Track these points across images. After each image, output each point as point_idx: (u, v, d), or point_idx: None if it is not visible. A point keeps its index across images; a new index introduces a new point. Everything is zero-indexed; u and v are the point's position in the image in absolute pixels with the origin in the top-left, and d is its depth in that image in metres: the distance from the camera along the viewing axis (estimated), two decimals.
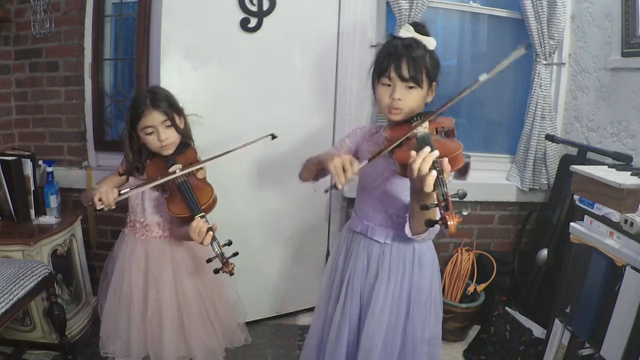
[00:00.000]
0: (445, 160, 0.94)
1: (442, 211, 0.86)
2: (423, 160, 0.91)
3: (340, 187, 1.07)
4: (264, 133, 1.38)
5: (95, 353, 1.87)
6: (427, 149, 0.92)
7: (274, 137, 1.39)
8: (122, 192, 1.28)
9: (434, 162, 0.91)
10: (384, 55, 1.16)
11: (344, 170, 1.06)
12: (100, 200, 1.25)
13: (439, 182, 0.89)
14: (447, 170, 0.93)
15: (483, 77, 1.05)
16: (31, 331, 1.85)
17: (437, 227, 0.89)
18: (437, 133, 1.08)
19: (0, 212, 1.91)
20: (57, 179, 2.00)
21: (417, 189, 0.96)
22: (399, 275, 1.25)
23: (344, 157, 1.08)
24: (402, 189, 1.18)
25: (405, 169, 0.97)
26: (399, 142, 1.05)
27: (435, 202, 0.89)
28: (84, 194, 1.44)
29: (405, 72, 1.12)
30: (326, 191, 1.13)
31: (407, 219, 1.12)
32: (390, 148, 1.06)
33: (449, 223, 0.84)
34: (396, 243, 1.24)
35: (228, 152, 1.35)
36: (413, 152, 0.93)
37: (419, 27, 1.17)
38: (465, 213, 0.86)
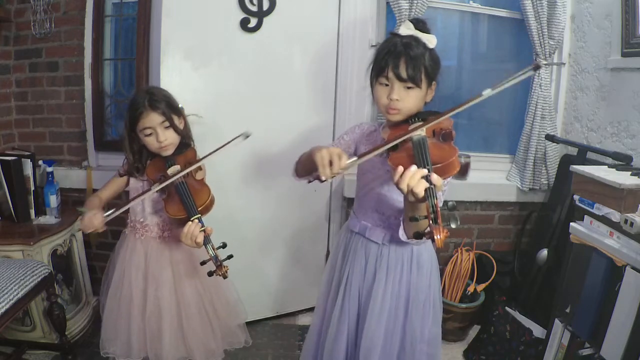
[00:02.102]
0: (438, 169, 0.92)
1: (430, 223, 0.86)
2: (411, 177, 0.90)
3: (323, 178, 1.03)
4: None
5: (95, 353, 1.88)
6: (414, 168, 0.91)
7: (247, 136, 1.29)
8: (105, 215, 1.30)
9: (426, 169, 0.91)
10: (383, 53, 1.13)
11: (331, 163, 1.03)
12: (87, 227, 1.28)
13: (429, 193, 0.88)
14: (439, 185, 0.91)
15: (487, 92, 1.00)
16: (31, 331, 1.85)
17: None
18: (434, 136, 1.05)
19: (0, 212, 1.91)
20: (57, 179, 2.00)
21: (407, 199, 0.95)
22: (396, 276, 1.24)
23: (332, 150, 1.04)
24: (399, 191, 1.18)
25: None
26: (393, 144, 1.03)
27: (425, 214, 0.88)
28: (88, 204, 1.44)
29: (403, 72, 1.09)
30: (309, 182, 1.10)
31: (402, 223, 1.10)
32: (384, 149, 1.04)
33: (435, 237, 0.83)
34: (394, 244, 1.24)
35: (215, 150, 1.32)
36: (400, 168, 0.92)
37: (420, 24, 1.14)
38: (453, 226, 0.86)
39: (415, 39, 1.11)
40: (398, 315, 1.25)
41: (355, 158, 1.05)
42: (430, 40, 1.12)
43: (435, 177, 0.91)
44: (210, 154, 1.32)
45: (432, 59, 1.12)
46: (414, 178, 0.90)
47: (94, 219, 1.28)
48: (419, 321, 1.25)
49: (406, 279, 1.25)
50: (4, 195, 1.87)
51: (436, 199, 0.88)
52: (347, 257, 1.33)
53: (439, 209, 0.87)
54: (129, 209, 1.40)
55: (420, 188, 0.88)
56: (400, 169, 0.92)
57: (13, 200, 1.87)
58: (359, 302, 1.29)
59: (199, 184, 1.38)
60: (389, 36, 1.18)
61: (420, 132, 1.03)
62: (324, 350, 1.33)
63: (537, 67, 0.96)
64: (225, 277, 1.25)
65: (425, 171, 0.91)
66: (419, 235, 0.89)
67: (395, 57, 1.09)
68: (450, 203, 0.89)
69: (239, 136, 1.27)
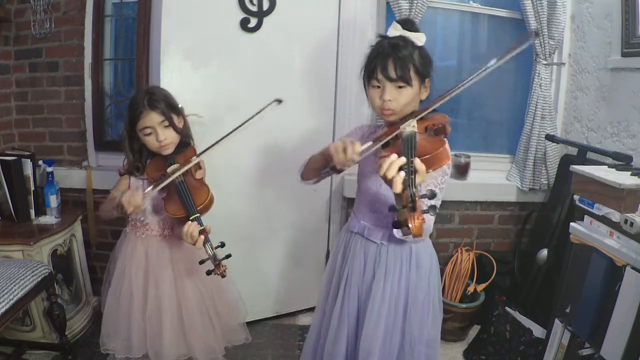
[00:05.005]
0: (418, 160, 0.92)
1: (409, 213, 0.86)
2: (389, 165, 0.90)
3: (338, 167, 1.05)
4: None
5: (96, 353, 1.88)
6: (394, 156, 0.92)
7: (279, 101, 1.37)
8: (146, 191, 1.29)
9: (408, 161, 0.91)
10: (372, 56, 1.15)
11: (345, 150, 1.04)
12: (128, 203, 1.25)
13: (408, 183, 0.89)
14: (421, 170, 0.92)
15: (492, 63, 1.01)
16: (31, 331, 1.85)
17: (431, 227, 0.89)
18: (426, 131, 1.06)
19: (0, 212, 1.91)
20: (57, 179, 2.00)
21: (391, 190, 0.96)
22: (395, 276, 1.24)
23: (345, 139, 1.07)
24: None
25: None
26: (386, 140, 1.04)
27: (403, 204, 0.89)
28: (103, 206, 1.43)
29: (392, 73, 1.10)
30: (325, 172, 1.11)
31: None
32: (378, 145, 1.05)
33: (409, 225, 0.85)
34: (392, 243, 1.23)
35: (224, 137, 1.35)
36: (381, 160, 0.93)
37: (408, 24, 1.15)
38: (431, 213, 0.86)
39: (403, 39, 1.12)
40: (397, 316, 1.25)
41: (370, 142, 1.05)
42: (419, 38, 1.13)
43: (417, 162, 0.91)
44: (235, 129, 1.36)
45: (421, 57, 1.13)
46: (387, 163, 0.90)
47: (135, 197, 1.26)
48: (418, 322, 1.25)
49: (405, 279, 1.24)
50: (4, 195, 1.87)
51: (415, 188, 0.88)
52: (346, 257, 1.33)
53: (417, 197, 0.87)
54: None
55: (394, 173, 0.89)
56: (383, 160, 0.93)
57: (13, 200, 1.87)
58: (359, 302, 1.29)
59: (199, 183, 1.39)
60: (377, 39, 1.19)
61: (411, 128, 1.03)
62: (324, 351, 1.33)
63: (536, 34, 0.97)
64: (223, 276, 1.26)
65: (402, 160, 0.91)
66: (397, 225, 0.90)
67: (383, 58, 1.11)
68: (429, 192, 0.89)
69: (271, 102, 1.38)
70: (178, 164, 1.36)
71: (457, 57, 2.28)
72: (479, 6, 2.17)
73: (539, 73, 2.02)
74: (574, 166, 1.52)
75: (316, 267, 2.19)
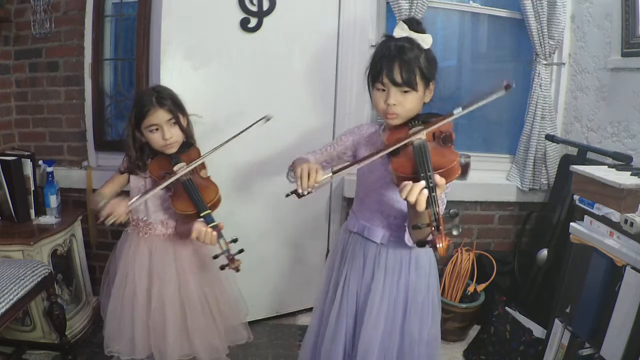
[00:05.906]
0: (438, 176, 0.93)
1: (433, 231, 0.86)
2: (410, 190, 0.90)
3: (300, 191, 1.07)
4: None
5: (96, 353, 1.88)
6: (410, 183, 0.91)
7: (268, 119, 1.37)
8: (129, 203, 1.29)
9: (427, 178, 0.91)
10: (377, 58, 1.13)
11: (308, 177, 1.06)
12: (110, 214, 1.25)
13: (430, 201, 0.89)
14: (441, 185, 0.92)
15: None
16: (31, 331, 1.85)
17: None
18: (434, 139, 1.06)
19: (0, 212, 1.91)
20: (57, 179, 2.00)
21: (409, 207, 0.95)
22: (394, 277, 1.24)
23: (311, 165, 1.08)
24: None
25: (400, 180, 0.97)
26: (392, 149, 1.04)
27: (427, 222, 0.89)
28: (93, 202, 1.43)
29: (397, 77, 1.09)
30: (287, 195, 1.10)
31: (407, 228, 1.10)
32: (383, 153, 1.05)
33: (437, 245, 0.84)
34: (392, 244, 1.23)
35: (226, 142, 1.35)
36: (404, 185, 0.92)
37: (414, 25, 1.13)
38: (455, 233, 0.87)
39: (409, 41, 1.11)
40: (396, 317, 1.25)
41: (330, 174, 1.09)
42: (425, 41, 1.12)
43: (437, 178, 0.92)
44: (229, 139, 1.35)
45: (427, 60, 1.12)
46: (407, 189, 0.91)
47: (119, 205, 1.26)
48: (417, 322, 1.25)
49: (404, 280, 1.24)
50: (4, 195, 1.87)
51: (438, 206, 0.88)
52: (345, 257, 1.32)
53: (440, 216, 0.87)
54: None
55: (423, 199, 0.89)
56: (405, 185, 0.92)
57: (13, 200, 1.87)
58: (357, 302, 1.29)
59: (206, 181, 1.40)
60: (383, 39, 1.17)
61: (420, 136, 1.03)
62: (322, 351, 1.33)
63: (508, 87, 0.98)
64: (237, 270, 1.27)
65: (422, 183, 0.91)
66: (422, 244, 0.89)
67: (389, 61, 1.09)
68: (452, 210, 0.90)
69: (260, 119, 1.35)
70: (184, 163, 1.37)
71: (457, 57, 2.28)
72: (479, 6, 2.17)
73: (539, 73, 2.02)
74: (574, 166, 1.51)
75: (316, 267, 2.19)
